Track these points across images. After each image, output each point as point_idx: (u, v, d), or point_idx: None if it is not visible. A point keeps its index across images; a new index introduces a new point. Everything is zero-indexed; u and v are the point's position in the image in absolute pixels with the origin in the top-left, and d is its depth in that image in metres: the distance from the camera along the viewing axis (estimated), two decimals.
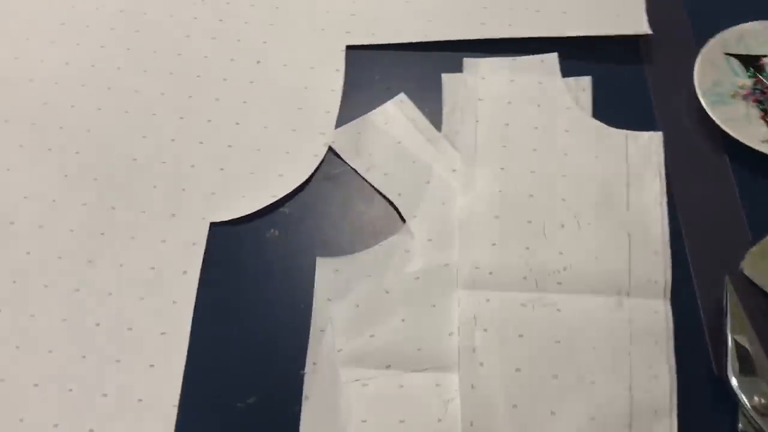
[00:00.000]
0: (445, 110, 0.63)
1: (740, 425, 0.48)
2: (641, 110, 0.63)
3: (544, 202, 0.57)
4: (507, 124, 0.61)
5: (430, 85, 0.64)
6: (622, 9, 0.67)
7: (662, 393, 0.50)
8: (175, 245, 0.57)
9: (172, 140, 0.62)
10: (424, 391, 0.50)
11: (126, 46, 0.67)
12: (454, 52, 0.66)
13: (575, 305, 0.53)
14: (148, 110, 0.63)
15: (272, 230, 0.58)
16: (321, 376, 0.51)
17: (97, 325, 0.53)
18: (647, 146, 0.60)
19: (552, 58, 0.65)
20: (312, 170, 0.60)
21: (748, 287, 0.54)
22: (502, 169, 0.59)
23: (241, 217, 0.58)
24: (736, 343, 0.50)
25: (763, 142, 0.59)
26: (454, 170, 0.59)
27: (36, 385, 0.51)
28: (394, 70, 0.66)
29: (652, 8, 0.67)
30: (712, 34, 0.64)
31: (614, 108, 0.62)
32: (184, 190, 0.59)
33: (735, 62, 0.64)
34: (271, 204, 0.59)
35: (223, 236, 0.57)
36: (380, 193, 0.59)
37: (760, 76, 0.63)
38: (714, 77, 0.62)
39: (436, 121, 0.62)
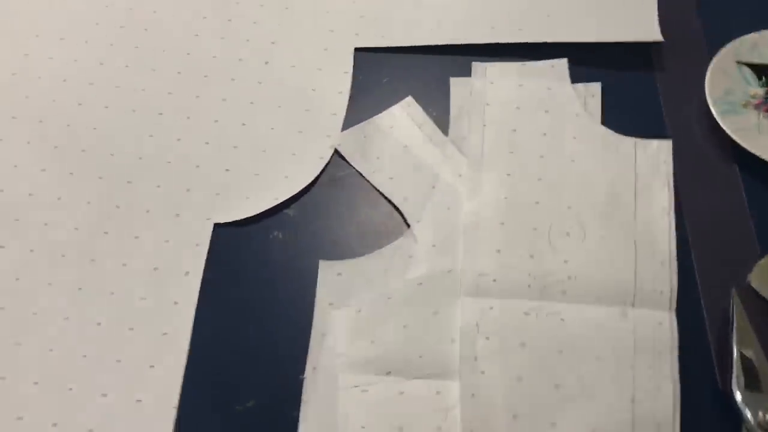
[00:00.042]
0: (453, 114, 0.62)
1: None
2: (651, 118, 0.62)
3: (551, 209, 0.57)
4: (515, 130, 0.61)
5: (438, 89, 0.64)
6: (633, 15, 0.67)
7: (665, 406, 0.49)
8: (179, 245, 0.57)
9: (178, 140, 0.61)
10: (425, 399, 0.50)
11: (134, 45, 0.67)
12: (463, 55, 0.65)
13: (579, 315, 0.52)
14: (155, 109, 0.63)
15: (275, 232, 0.57)
16: (321, 380, 0.51)
17: (99, 324, 0.53)
18: (656, 155, 0.59)
19: (562, 64, 0.64)
20: (318, 172, 0.60)
21: (755, 300, 0.53)
22: (509, 174, 0.59)
23: (245, 218, 0.58)
24: (742, 356, 0.49)
25: None
26: (460, 175, 0.59)
27: (36, 383, 0.51)
28: (402, 73, 0.65)
29: (665, 15, 0.66)
30: (724, 43, 0.63)
31: (624, 115, 0.62)
32: (188, 190, 0.59)
33: (747, 71, 0.63)
34: (275, 206, 0.58)
35: (226, 237, 0.57)
36: (385, 197, 0.59)
37: None
38: (726, 86, 0.62)
39: (443, 125, 0.62)
